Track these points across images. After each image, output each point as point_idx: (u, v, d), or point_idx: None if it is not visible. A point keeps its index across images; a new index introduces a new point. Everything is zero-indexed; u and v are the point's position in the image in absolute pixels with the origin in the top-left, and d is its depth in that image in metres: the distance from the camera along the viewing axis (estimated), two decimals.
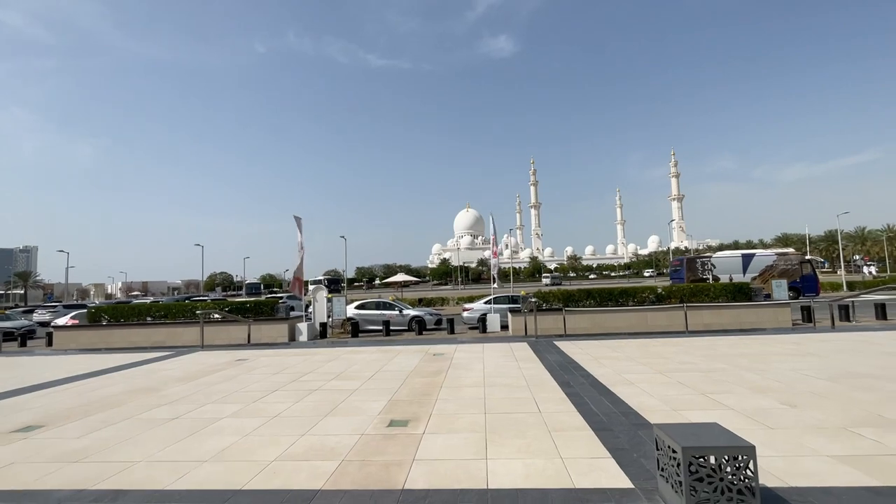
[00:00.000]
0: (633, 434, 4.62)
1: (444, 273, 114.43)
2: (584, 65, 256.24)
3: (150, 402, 6.87)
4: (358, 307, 21.06)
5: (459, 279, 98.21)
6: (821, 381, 6.45)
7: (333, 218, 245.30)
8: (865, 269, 55.41)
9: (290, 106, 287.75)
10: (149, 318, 19.25)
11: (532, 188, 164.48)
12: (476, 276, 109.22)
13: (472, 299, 31.18)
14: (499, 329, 18.14)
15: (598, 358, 9.10)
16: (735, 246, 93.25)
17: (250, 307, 19.08)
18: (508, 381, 7.33)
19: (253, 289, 79.06)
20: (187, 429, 5.43)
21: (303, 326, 18.24)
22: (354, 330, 18.76)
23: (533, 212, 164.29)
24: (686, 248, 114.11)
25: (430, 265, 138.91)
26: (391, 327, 19.99)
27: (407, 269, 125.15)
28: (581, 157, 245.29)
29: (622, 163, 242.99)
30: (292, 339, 18.25)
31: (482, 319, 18.15)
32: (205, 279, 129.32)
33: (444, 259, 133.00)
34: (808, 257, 31.31)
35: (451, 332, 18.04)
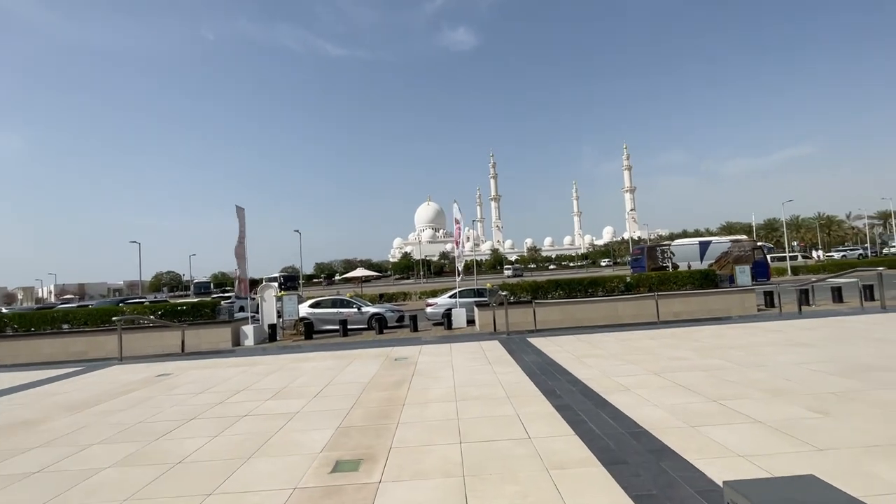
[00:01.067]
0: (655, 468, 3.54)
1: (406, 267, 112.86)
2: (541, 60, 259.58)
3: (15, 445, 5.16)
4: (312, 305, 19.35)
5: (422, 273, 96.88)
6: (835, 378, 5.71)
7: (290, 213, 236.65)
8: (815, 254, 58.70)
9: (241, 97, 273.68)
10: (65, 326, 16.72)
11: (492, 181, 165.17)
12: (438, 269, 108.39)
13: (435, 293, 29.96)
14: (465, 324, 17.05)
15: (580, 357, 8.12)
16: (684, 235, 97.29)
17: (187, 310, 16.95)
18: (484, 391, 6.16)
19: (202, 288, 73.82)
20: (49, 489, 3.87)
21: (249, 330, 16.38)
22: (308, 331, 17.10)
23: (493, 204, 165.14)
24: (639, 238, 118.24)
25: (391, 259, 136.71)
26: (349, 327, 18.45)
27: (367, 264, 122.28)
28: (539, 149, 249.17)
29: (578, 156, 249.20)
30: (237, 344, 16.35)
31: (447, 315, 17.00)
32: (150, 279, 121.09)
33: (406, 253, 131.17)
34: (759, 244, 32.36)
35: (415, 329, 16.77)
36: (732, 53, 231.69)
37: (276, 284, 18.17)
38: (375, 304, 21.58)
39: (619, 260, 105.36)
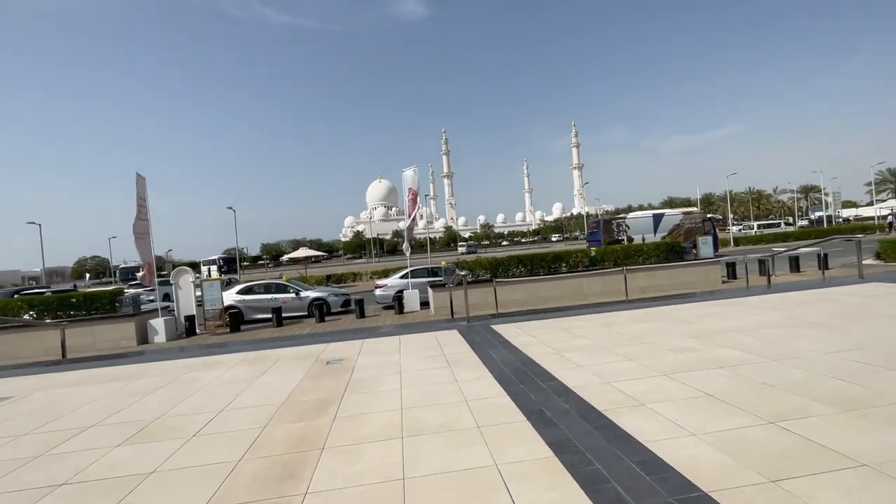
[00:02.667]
0: None
1: (358, 246, 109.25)
2: (492, 32, 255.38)
3: None
4: (241, 292, 16.72)
5: (374, 252, 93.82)
6: (892, 373, 4.40)
7: (233, 192, 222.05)
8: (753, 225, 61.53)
9: (175, 66, 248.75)
10: None
11: (444, 157, 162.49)
12: (391, 247, 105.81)
13: (387, 273, 27.75)
14: (418, 307, 15.22)
15: (560, 350, 6.50)
16: (629, 210, 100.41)
17: (78, 301, 13.85)
18: (444, 416, 4.33)
19: (129, 274, 66.64)
20: None
21: (158, 324, 13.64)
22: (235, 322, 14.58)
23: (446, 181, 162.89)
24: (588, 213, 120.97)
25: (343, 239, 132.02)
26: (287, 314, 16.09)
27: (318, 244, 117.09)
28: (490, 126, 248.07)
29: (528, 133, 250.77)
30: (144, 341, 13.58)
31: (398, 298, 15.06)
32: (73, 265, 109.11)
33: (358, 232, 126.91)
34: (709, 215, 32.78)
35: (361, 315, 14.72)
36: (673, 35, 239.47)
37: (191, 270, 15.31)
38: (321, 286, 19.20)
39: (568, 235, 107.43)
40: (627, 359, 5.79)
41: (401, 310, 14.80)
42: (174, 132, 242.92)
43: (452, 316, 11.58)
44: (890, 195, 68.47)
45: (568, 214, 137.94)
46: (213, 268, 70.90)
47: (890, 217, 48.31)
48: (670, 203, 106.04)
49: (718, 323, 7.44)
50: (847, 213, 75.04)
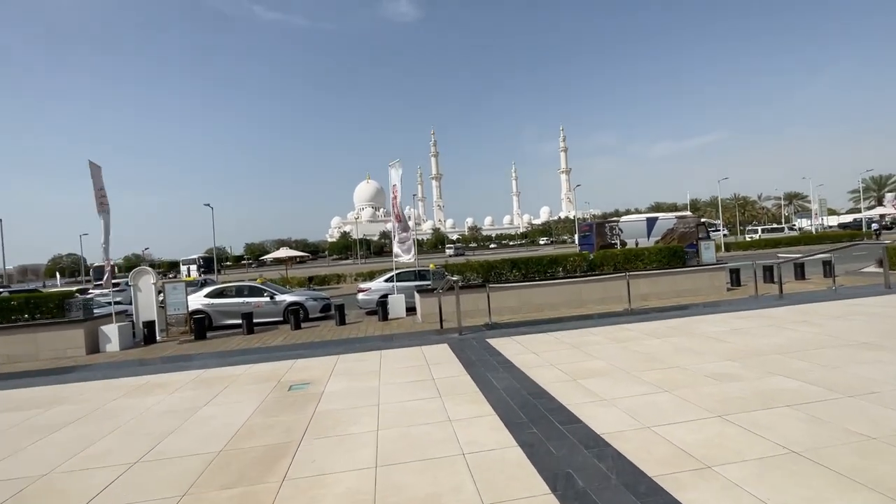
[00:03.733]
0: None
1: (345, 247, 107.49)
2: (482, 36, 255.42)
3: None
4: (211, 295, 15.26)
5: (360, 253, 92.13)
6: None
7: (219, 191, 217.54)
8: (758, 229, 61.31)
9: (163, 62, 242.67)
10: None
11: (433, 159, 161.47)
12: (378, 249, 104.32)
13: (372, 275, 26.43)
14: (404, 314, 13.98)
15: (575, 376, 5.36)
16: (616, 214, 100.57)
17: (18, 305, 12.26)
18: (434, 482, 3.13)
19: (102, 273, 63.97)
20: None
21: (111, 330, 12.15)
22: (200, 329, 13.15)
23: (434, 183, 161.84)
24: (580, 217, 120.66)
25: (329, 239, 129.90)
26: (260, 320, 14.71)
27: (303, 244, 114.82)
28: (479, 129, 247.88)
29: (517, 136, 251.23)
30: (95, 350, 12.09)
31: (382, 303, 13.82)
32: (47, 263, 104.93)
33: (345, 233, 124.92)
34: (703, 220, 32.20)
35: (341, 322, 13.41)
36: (659, 43, 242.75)
37: (151, 271, 13.84)
38: (301, 289, 17.82)
39: (556, 238, 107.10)
40: (660, 388, 4.67)
41: (385, 316, 13.56)
42: (158, 128, 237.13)
43: (442, 326, 10.37)
44: (873, 202, 69.43)
45: (556, 218, 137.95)
46: (193, 267, 68.49)
47: (875, 225, 48.63)
48: (657, 208, 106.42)
49: (751, 341, 6.39)
50: (829, 220, 76.03)
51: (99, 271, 63.74)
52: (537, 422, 4.04)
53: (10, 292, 21.61)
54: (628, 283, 12.71)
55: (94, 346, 12.00)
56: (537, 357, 6.36)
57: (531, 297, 13.46)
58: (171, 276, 70.40)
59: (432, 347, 7.47)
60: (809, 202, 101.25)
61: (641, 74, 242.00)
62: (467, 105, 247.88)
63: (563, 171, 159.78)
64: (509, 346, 7.14)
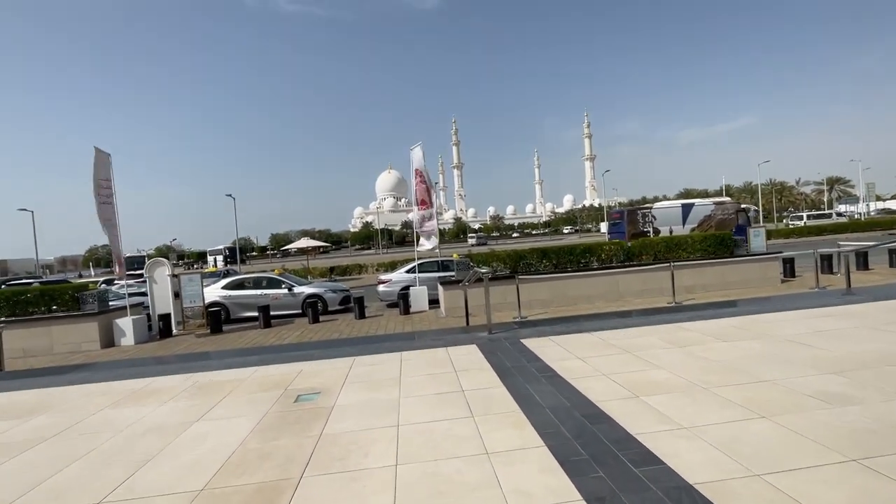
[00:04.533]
0: None
1: (367, 237, 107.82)
2: (504, 22, 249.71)
3: None
4: (228, 286, 14.77)
5: (381, 243, 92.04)
6: None
7: (249, 184, 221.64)
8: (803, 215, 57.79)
9: (188, 56, 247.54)
10: None
11: (454, 148, 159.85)
12: (400, 238, 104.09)
13: (394, 265, 25.74)
14: (426, 307, 13.17)
15: (637, 391, 4.38)
16: (644, 202, 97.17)
17: (33, 298, 11.99)
18: None
19: (135, 263, 65.06)
20: None
21: (126, 323, 11.77)
22: (217, 321, 12.68)
23: (455, 172, 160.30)
24: (609, 204, 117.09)
25: (352, 229, 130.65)
26: (278, 312, 14.17)
27: (326, 235, 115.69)
28: (501, 117, 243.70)
29: (540, 124, 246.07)
30: (110, 344, 11.74)
31: (403, 296, 13.04)
32: (84, 253, 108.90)
33: (367, 222, 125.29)
34: (743, 206, 30.13)
35: (361, 315, 12.71)
36: (684, 30, 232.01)
37: (167, 262, 13.41)
38: (321, 280, 17.23)
39: (580, 227, 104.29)
40: (753, 412, 3.66)
41: (406, 310, 12.78)
42: (189, 123, 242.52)
43: (468, 322, 9.48)
44: None
45: (580, 206, 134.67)
46: (220, 258, 69.44)
47: None
48: (687, 195, 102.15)
49: (849, 347, 5.26)
50: (875, 206, 71.20)
51: (130, 262, 65.13)
52: (602, 460, 3.11)
53: (40, 283, 21.87)
54: (672, 275, 11.54)
55: (108, 339, 11.65)
56: (584, 364, 5.39)
57: (564, 289, 12.43)
58: (196, 266, 71.62)
59: (459, 349, 6.59)
60: (852, 187, 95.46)
61: (667, 59, 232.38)
62: (489, 93, 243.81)
63: (587, 158, 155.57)
64: (548, 349, 6.19)
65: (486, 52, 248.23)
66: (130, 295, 15.85)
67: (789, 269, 14.68)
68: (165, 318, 12.56)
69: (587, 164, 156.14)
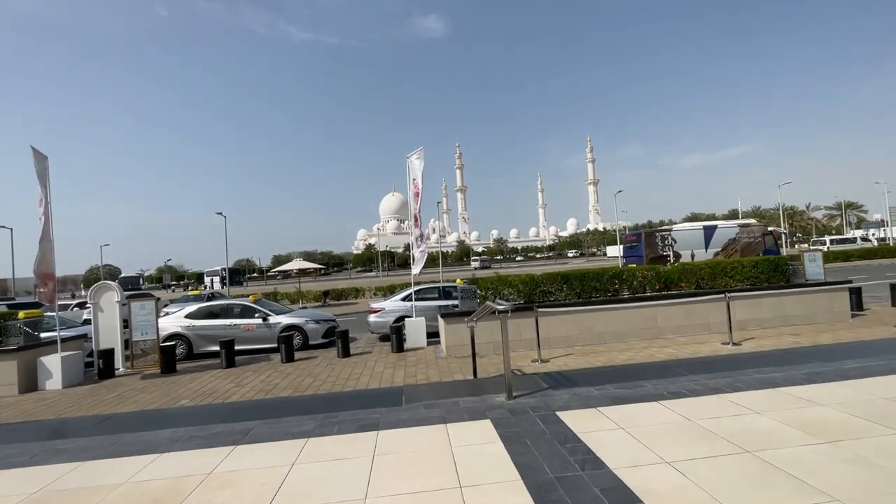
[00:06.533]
0: None
1: (369, 259, 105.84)
2: (509, 49, 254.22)
3: None
4: (193, 315, 12.52)
5: (382, 265, 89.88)
6: None
7: (249, 203, 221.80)
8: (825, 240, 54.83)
9: (201, 80, 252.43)
10: None
11: (458, 171, 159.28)
12: (402, 261, 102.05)
13: (392, 289, 23.49)
14: (424, 343, 10.88)
15: None
16: (649, 226, 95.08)
17: None
18: None
19: (129, 284, 62.32)
20: None
21: (53, 362, 9.53)
22: (169, 359, 10.44)
23: (459, 195, 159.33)
24: (605, 228, 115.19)
25: (355, 251, 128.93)
26: (249, 346, 11.95)
27: (328, 256, 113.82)
28: (504, 141, 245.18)
29: (543, 148, 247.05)
30: (31, 388, 9.50)
31: (397, 328, 10.80)
32: (84, 273, 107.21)
33: (370, 244, 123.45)
34: (770, 228, 27.90)
35: (345, 353, 10.41)
36: (688, 57, 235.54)
37: (116, 287, 11.21)
38: (300, 310, 15.00)
39: (584, 252, 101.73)
40: None
41: (400, 346, 10.53)
42: (193, 142, 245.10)
43: (475, 373, 7.18)
44: None
45: (584, 230, 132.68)
46: (216, 279, 66.93)
47: None
48: (694, 219, 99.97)
49: None
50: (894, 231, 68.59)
51: (125, 282, 62.77)
52: None
53: (7, 306, 19.69)
54: (728, 307, 9.30)
55: (30, 382, 9.39)
56: (683, 478, 3.12)
57: (592, 322, 10.15)
58: (191, 288, 69.13)
59: (465, 429, 4.31)
60: (865, 212, 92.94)
61: (669, 84, 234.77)
62: (492, 117, 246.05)
63: (590, 183, 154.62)
64: (606, 437, 3.92)
65: (491, 78, 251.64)
66: (84, 323, 13.69)
67: (855, 300, 12.38)
68: (107, 354, 10.32)
69: (590, 188, 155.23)
